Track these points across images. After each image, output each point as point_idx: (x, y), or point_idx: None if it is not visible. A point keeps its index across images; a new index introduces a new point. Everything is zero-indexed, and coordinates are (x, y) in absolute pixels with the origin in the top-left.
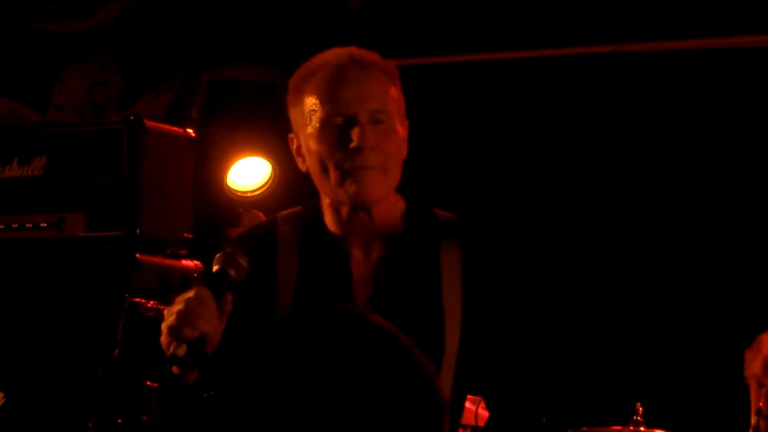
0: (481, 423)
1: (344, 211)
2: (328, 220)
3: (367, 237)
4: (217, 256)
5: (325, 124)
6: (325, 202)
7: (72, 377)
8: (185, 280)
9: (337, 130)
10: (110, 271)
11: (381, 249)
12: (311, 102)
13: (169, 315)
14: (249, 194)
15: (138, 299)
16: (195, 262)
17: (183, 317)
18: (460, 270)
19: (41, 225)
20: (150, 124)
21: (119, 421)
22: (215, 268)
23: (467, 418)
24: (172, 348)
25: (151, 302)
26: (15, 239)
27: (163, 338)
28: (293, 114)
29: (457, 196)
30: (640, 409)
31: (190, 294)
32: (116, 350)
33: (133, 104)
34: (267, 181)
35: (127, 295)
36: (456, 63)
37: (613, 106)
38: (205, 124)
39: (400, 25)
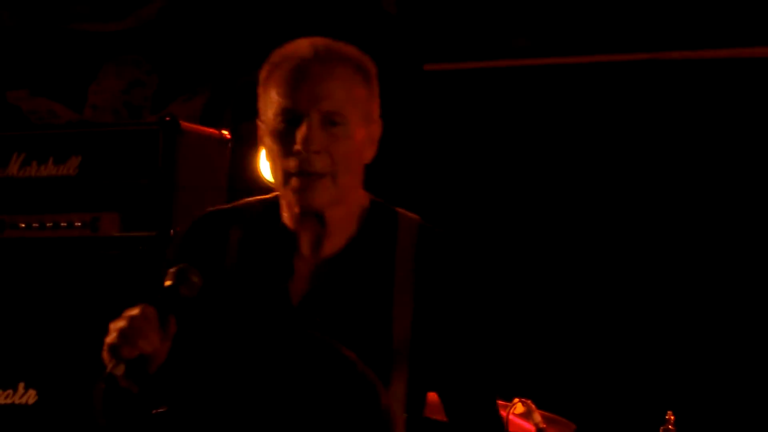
0: (511, 429)
1: (295, 209)
2: (284, 213)
3: (316, 235)
4: (170, 271)
5: (277, 121)
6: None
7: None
8: None
9: (285, 128)
10: (143, 272)
11: (332, 248)
12: (272, 94)
13: (112, 331)
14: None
15: None
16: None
17: (123, 336)
18: (413, 278)
19: (75, 224)
20: (185, 125)
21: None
22: (167, 283)
23: None
24: (110, 366)
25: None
26: (49, 238)
27: (104, 354)
28: (260, 103)
29: (481, 202)
30: (672, 417)
31: (135, 312)
32: None
33: (168, 105)
34: None
35: (159, 296)
36: (491, 69)
37: (647, 114)
38: (240, 125)
39: (434, 30)
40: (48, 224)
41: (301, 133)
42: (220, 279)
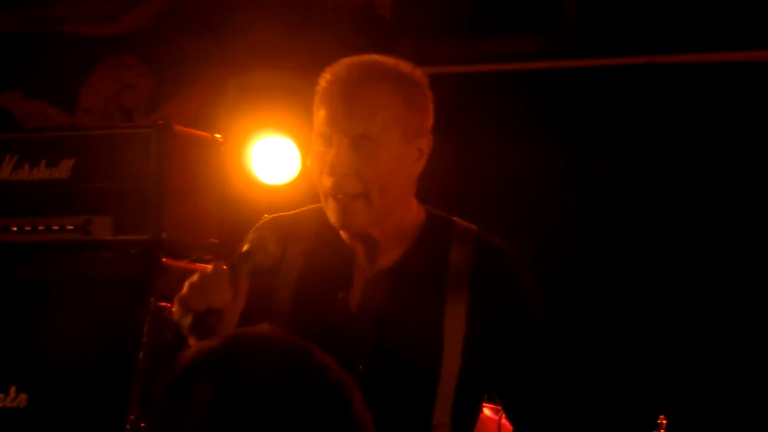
0: None
1: (337, 228)
2: None
3: (369, 249)
4: (250, 238)
5: (316, 142)
6: None
7: (97, 381)
8: None
9: (323, 149)
10: (136, 275)
11: (387, 260)
12: (318, 114)
13: (185, 286)
14: (278, 187)
15: (163, 303)
16: (221, 263)
17: (194, 289)
18: (467, 298)
19: (67, 227)
20: (178, 128)
21: (143, 425)
22: (244, 248)
23: (490, 428)
24: (178, 316)
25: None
26: (41, 241)
27: (175, 308)
28: (314, 119)
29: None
30: (664, 421)
31: (207, 269)
32: (140, 354)
33: (161, 108)
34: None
35: (152, 299)
36: (485, 73)
37: (645, 118)
38: (233, 127)
39: (429, 34)
40: (40, 227)
41: (330, 157)
42: (281, 288)
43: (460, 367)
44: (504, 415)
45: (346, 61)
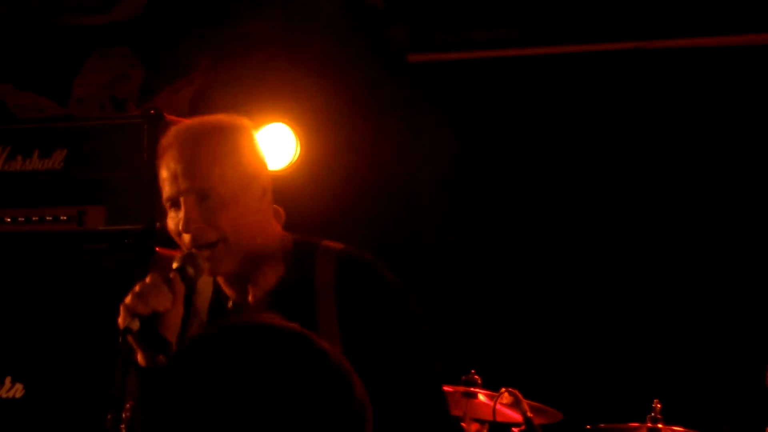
0: (499, 418)
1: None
2: None
3: (242, 286)
4: (180, 255)
5: (168, 207)
6: None
7: (90, 370)
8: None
9: (173, 213)
10: (130, 265)
11: (262, 290)
12: (162, 177)
13: (127, 296)
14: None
15: None
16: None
17: (138, 295)
18: (336, 311)
19: (61, 218)
20: (170, 117)
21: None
22: (175, 265)
23: (484, 413)
24: (126, 321)
25: None
26: (34, 232)
27: (120, 318)
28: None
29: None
30: (658, 405)
31: (146, 279)
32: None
33: (153, 98)
34: (292, 159)
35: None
36: (476, 60)
37: (633, 103)
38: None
39: (420, 22)
40: (34, 218)
41: (179, 215)
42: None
43: None
44: (499, 400)
45: (176, 128)
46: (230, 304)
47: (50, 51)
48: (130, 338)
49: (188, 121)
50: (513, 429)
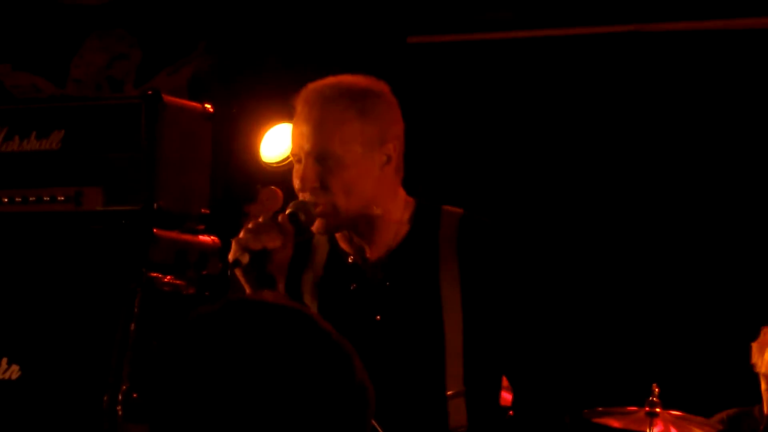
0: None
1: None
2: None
3: (361, 254)
4: (293, 202)
5: (293, 157)
6: None
7: (88, 351)
8: (202, 255)
9: (297, 167)
10: (127, 246)
11: (378, 252)
12: (292, 135)
13: (240, 233)
14: (276, 165)
15: (155, 274)
16: (212, 237)
17: (250, 231)
18: (458, 277)
19: (59, 198)
20: (168, 98)
21: (134, 395)
22: (288, 210)
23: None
24: (236, 255)
25: (168, 277)
26: (32, 212)
27: (231, 253)
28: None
29: (471, 183)
30: (656, 389)
31: (260, 219)
32: (132, 324)
33: (152, 78)
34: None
35: (143, 269)
36: (473, 41)
37: (631, 86)
38: (230, 98)
39: (416, 4)
40: (31, 198)
41: (297, 173)
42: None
43: (463, 330)
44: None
45: (308, 87)
46: (350, 259)
47: (48, 31)
48: (238, 271)
49: (323, 81)
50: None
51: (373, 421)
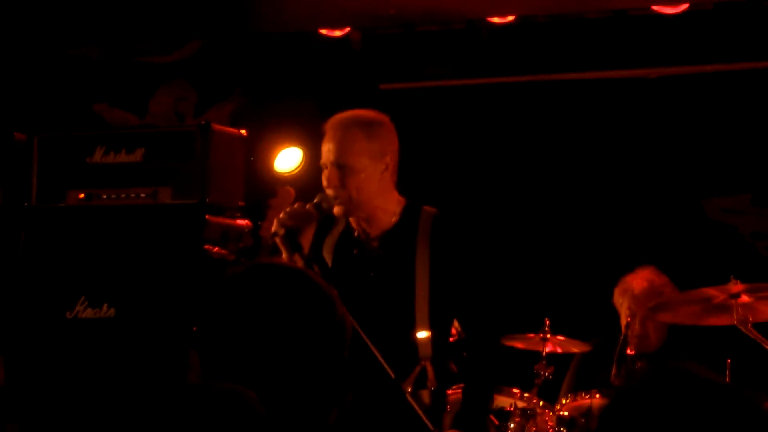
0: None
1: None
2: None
3: (364, 231)
4: (319, 194)
5: (322, 165)
6: None
7: (166, 302)
8: (239, 234)
9: (325, 170)
10: (189, 228)
11: (376, 233)
12: (322, 150)
13: (281, 214)
14: (287, 174)
15: (207, 246)
16: (246, 221)
17: (287, 213)
18: (428, 254)
19: (141, 195)
20: (215, 126)
21: (194, 329)
22: (315, 200)
23: None
24: (276, 228)
25: (216, 248)
26: (123, 206)
27: (273, 227)
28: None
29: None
30: (547, 321)
31: (295, 206)
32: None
33: (204, 113)
34: (299, 165)
35: (200, 244)
36: (441, 87)
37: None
38: (258, 127)
39: (392, 59)
40: (122, 195)
41: (324, 175)
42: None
43: (429, 288)
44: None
45: (334, 116)
46: (356, 234)
47: (134, 80)
48: (277, 240)
49: (343, 113)
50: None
51: (365, 337)
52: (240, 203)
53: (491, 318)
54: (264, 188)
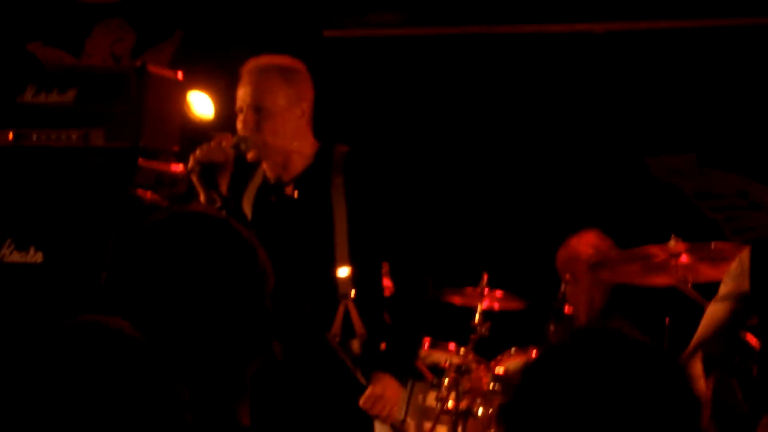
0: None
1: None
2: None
3: (279, 177)
4: (236, 135)
5: (237, 110)
6: None
7: (94, 242)
8: (173, 179)
9: (240, 114)
10: (120, 172)
11: (290, 176)
12: (237, 94)
13: (197, 150)
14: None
15: (140, 191)
16: (180, 165)
17: (202, 149)
18: (343, 190)
19: (72, 137)
20: (151, 68)
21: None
22: (234, 140)
23: None
24: (191, 165)
25: (149, 193)
26: (53, 147)
27: (189, 163)
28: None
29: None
30: (485, 276)
31: (211, 143)
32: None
33: (141, 55)
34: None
35: (132, 188)
36: (387, 37)
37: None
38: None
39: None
40: (53, 136)
41: (240, 119)
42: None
43: (348, 226)
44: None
45: (250, 61)
46: (272, 181)
47: (71, 21)
48: (193, 177)
49: (260, 58)
50: None
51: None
52: (175, 148)
53: (417, 256)
54: (201, 133)
